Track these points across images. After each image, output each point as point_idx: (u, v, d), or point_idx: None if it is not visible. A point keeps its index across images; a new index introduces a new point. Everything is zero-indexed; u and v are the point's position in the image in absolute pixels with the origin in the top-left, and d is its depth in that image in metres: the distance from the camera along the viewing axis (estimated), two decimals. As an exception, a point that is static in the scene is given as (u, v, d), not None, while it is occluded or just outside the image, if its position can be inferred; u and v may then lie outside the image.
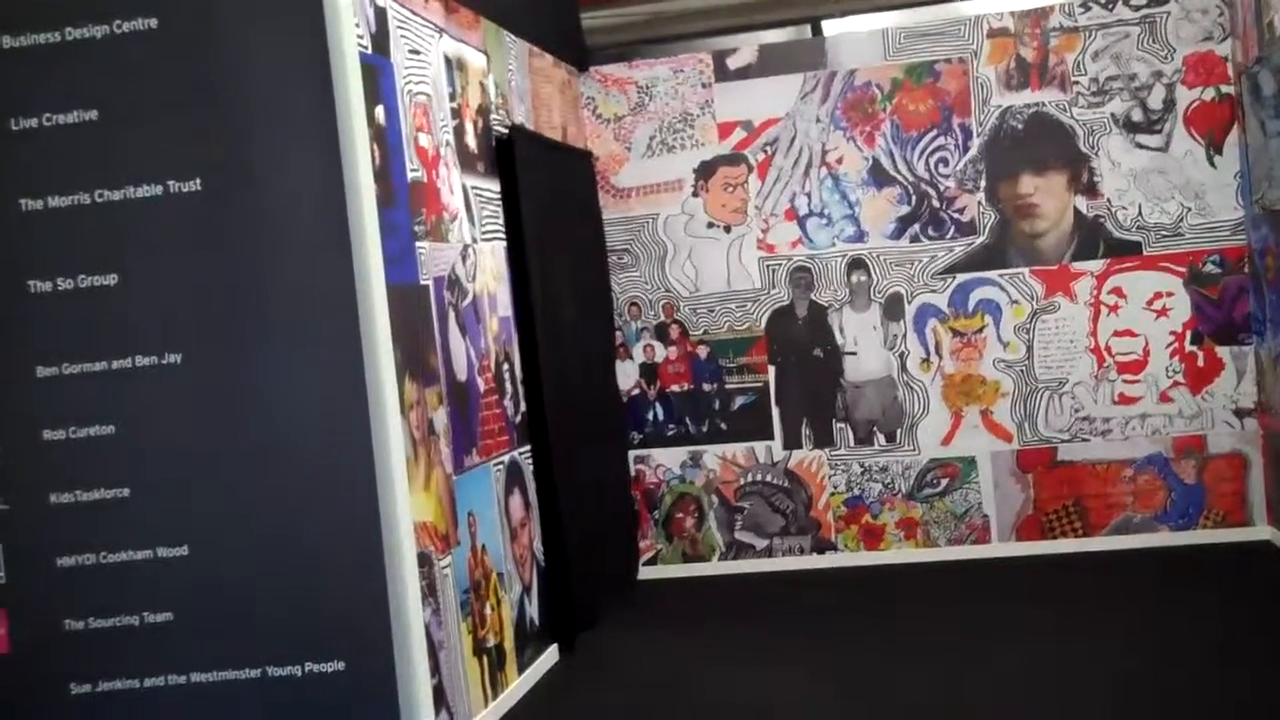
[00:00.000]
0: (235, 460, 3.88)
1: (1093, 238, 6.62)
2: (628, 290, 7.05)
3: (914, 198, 6.77)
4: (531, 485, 5.70)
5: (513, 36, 6.04)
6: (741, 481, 7.02)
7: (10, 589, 3.94)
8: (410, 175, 4.71)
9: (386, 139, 4.53)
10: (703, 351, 7.01)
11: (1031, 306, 6.69)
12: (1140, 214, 6.57)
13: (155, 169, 3.84)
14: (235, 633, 3.89)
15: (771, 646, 5.63)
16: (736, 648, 5.65)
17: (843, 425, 6.90)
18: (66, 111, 3.84)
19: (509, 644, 5.24)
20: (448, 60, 5.21)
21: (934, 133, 6.74)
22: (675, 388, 7.05)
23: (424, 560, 4.45)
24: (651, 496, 7.10)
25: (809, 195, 6.87)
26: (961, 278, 6.74)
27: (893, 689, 4.90)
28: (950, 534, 6.83)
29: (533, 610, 5.57)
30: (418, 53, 4.91)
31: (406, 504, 4.23)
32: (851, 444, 6.90)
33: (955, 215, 6.73)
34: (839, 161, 6.84)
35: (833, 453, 6.92)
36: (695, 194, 6.98)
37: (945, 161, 6.74)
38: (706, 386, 7.02)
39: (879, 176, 6.80)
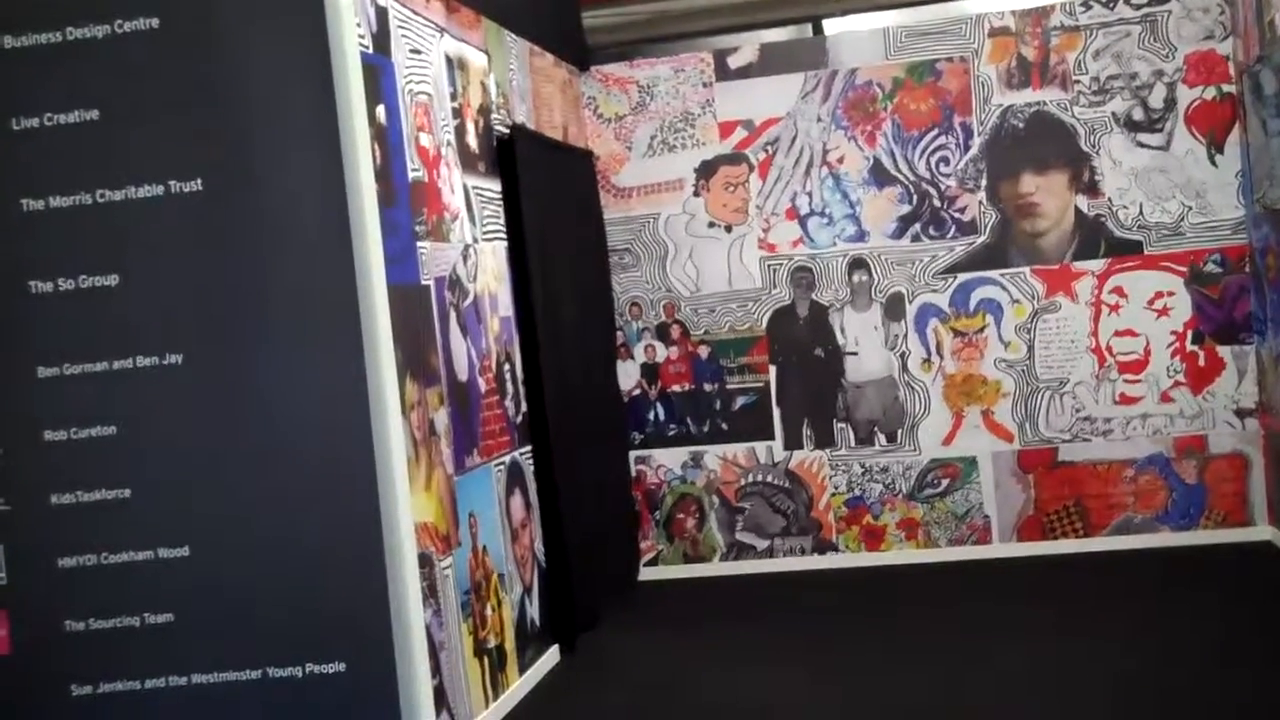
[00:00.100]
0: (236, 461, 3.87)
1: (1094, 237, 6.61)
2: (629, 290, 7.05)
3: (915, 197, 6.77)
4: (532, 486, 5.69)
5: (514, 36, 6.03)
6: (742, 482, 7.01)
7: (11, 590, 3.93)
8: (411, 175, 4.71)
9: (387, 138, 4.52)
10: (704, 351, 7.01)
11: (1033, 306, 6.68)
12: (1141, 213, 6.56)
13: (156, 169, 3.83)
14: (236, 634, 3.89)
15: (772, 647, 5.62)
16: (737, 648, 5.65)
17: (844, 425, 6.90)
18: (68, 111, 3.83)
19: (510, 645, 5.23)
20: (449, 60, 5.20)
21: (935, 132, 6.73)
22: (676, 388, 7.05)
23: (425, 561, 4.45)
24: (652, 497, 7.09)
25: (810, 195, 6.87)
26: (963, 277, 6.74)
27: (894, 689, 4.89)
28: (951, 534, 6.83)
29: (533, 611, 5.56)
30: (419, 52, 4.90)
31: (407, 505, 4.23)
32: (852, 444, 6.90)
33: (956, 215, 6.72)
34: (840, 161, 6.83)
35: (834, 453, 6.91)
36: (696, 193, 6.97)
37: (946, 161, 6.74)
38: (707, 387, 7.02)
39: (880, 176, 6.79)
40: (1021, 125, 6.65)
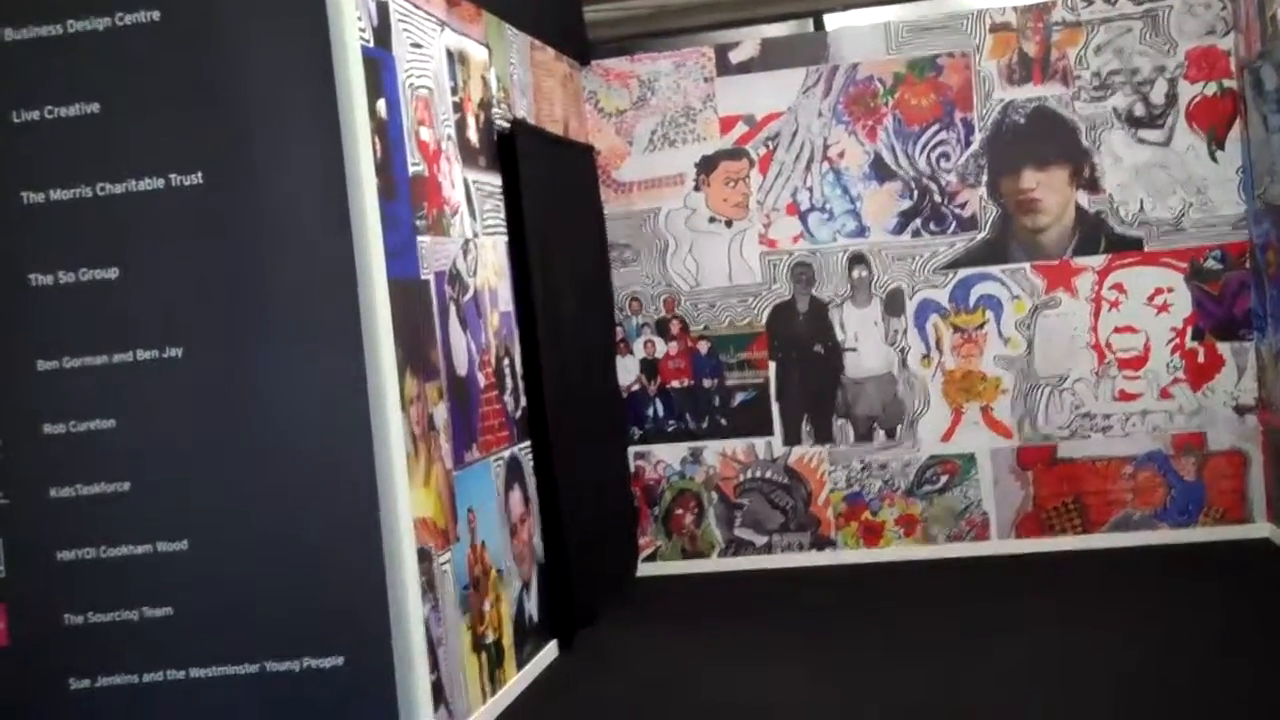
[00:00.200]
0: (235, 454, 3.88)
1: (1094, 233, 6.61)
2: (629, 285, 7.04)
3: (916, 193, 6.76)
4: (531, 481, 5.69)
5: (515, 30, 6.02)
6: (741, 478, 7.01)
7: (10, 583, 3.93)
8: (411, 169, 4.70)
9: (388, 133, 4.51)
10: (703, 347, 7.00)
11: (1032, 302, 6.68)
12: (1142, 209, 6.56)
13: (157, 162, 3.83)
14: (234, 628, 3.89)
15: (770, 643, 5.62)
16: (735, 644, 5.65)
17: (843, 421, 6.89)
18: (68, 104, 3.84)
19: (508, 640, 5.23)
20: (450, 54, 5.19)
21: (936, 127, 6.73)
22: (675, 383, 7.04)
23: (423, 556, 4.44)
24: (651, 493, 7.09)
25: (810, 190, 6.86)
26: (963, 273, 6.73)
27: (892, 685, 4.89)
28: (950, 531, 6.83)
29: (532, 606, 5.56)
30: (419, 46, 4.89)
31: (406, 499, 4.23)
32: (851, 440, 6.89)
33: (957, 210, 6.72)
34: (841, 156, 6.82)
35: (833, 449, 6.91)
36: (697, 188, 6.97)
37: (947, 156, 6.73)
38: (707, 382, 7.01)
39: (881, 171, 6.79)
40: (1022, 121, 6.65)
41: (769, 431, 6.96)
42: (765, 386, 6.96)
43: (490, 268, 5.43)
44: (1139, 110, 6.55)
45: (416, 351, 4.58)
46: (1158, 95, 6.53)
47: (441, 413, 4.76)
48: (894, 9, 6.84)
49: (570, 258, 6.27)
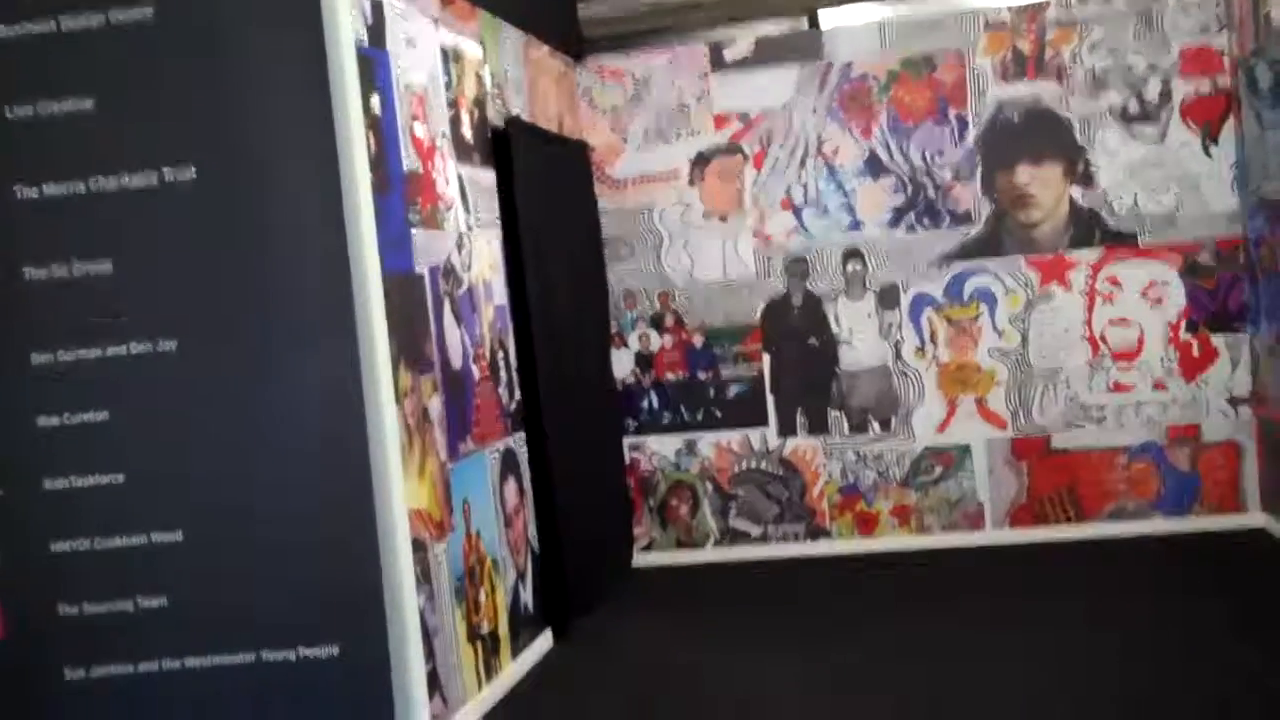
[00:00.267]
0: (229, 446, 3.90)
1: (1088, 229, 6.63)
2: (624, 280, 7.07)
3: (910, 188, 6.78)
4: (526, 473, 5.72)
5: (509, 27, 6.05)
6: (736, 469, 7.04)
7: (4, 574, 3.96)
8: (406, 165, 4.73)
9: (382, 129, 4.54)
10: (698, 340, 7.03)
11: (1027, 295, 6.70)
12: (1136, 204, 6.58)
13: (150, 157, 3.85)
14: (229, 617, 3.92)
15: (765, 632, 5.65)
16: (731, 634, 5.67)
17: (838, 413, 6.92)
18: (62, 100, 3.86)
19: (503, 630, 5.27)
20: (444, 51, 5.22)
21: (930, 123, 6.75)
22: (670, 376, 7.07)
23: (418, 547, 4.48)
24: (646, 484, 7.12)
25: (805, 186, 6.89)
26: (957, 267, 6.76)
27: (888, 675, 4.92)
28: (944, 521, 6.85)
29: (527, 596, 5.60)
30: (414, 43, 4.92)
31: (401, 491, 4.26)
32: (846, 432, 6.92)
33: (951, 206, 6.74)
34: (835, 152, 6.85)
35: (828, 440, 6.94)
36: (691, 184, 6.99)
37: (941, 152, 6.75)
38: (701, 375, 7.04)
39: (875, 167, 6.81)
40: (1016, 117, 6.67)
41: (764, 423, 6.99)
42: (760, 379, 6.99)
43: (485, 262, 5.46)
44: (1133, 107, 6.56)
45: (411, 345, 4.62)
46: (1152, 92, 6.54)
47: (436, 405, 4.80)
48: (888, 7, 6.85)
49: (565, 252, 6.29)
